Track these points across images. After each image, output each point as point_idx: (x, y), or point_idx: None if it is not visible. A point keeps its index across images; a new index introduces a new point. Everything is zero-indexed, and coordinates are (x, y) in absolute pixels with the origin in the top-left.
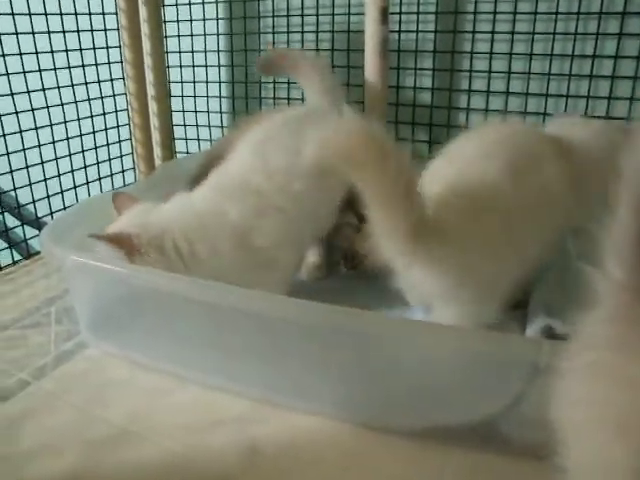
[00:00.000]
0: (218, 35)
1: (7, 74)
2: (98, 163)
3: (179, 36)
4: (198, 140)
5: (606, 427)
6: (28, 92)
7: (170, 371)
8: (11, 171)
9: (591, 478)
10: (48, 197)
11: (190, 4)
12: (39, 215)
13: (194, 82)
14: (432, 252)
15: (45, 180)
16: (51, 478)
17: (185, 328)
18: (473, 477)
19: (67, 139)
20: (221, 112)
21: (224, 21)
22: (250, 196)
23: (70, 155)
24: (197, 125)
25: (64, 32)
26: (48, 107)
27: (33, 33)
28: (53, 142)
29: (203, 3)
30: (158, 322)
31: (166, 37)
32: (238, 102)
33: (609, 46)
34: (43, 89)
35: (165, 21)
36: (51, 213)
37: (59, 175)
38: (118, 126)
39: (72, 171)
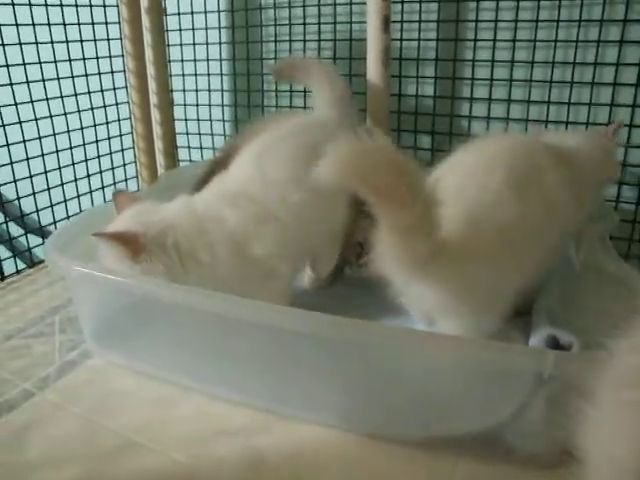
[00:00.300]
0: (220, 44)
1: (11, 84)
2: (101, 172)
3: (182, 45)
4: (201, 149)
5: None
6: (32, 102)
7: (174, 381)
8: (15, 180)
9: None
10: (52, 206)
11: (192, 13)
12: (43, 224)
13: (196, 91)
14: (433, 270)
15: (49, 189)
16: None
17: (189, 338)
18: None
19: (70, 148)
20: (224, 120)
21: (226, 30)
22: (249, 205)
23: (73, 164)
24: (200, 134)
25: (67, 42)
26: (51, 116)
27: (37, 43)
28: (56, 151)
29: (205, 12)
30: (162, 332)
31: (169, 46)
32: (240, 110)
33: (610, 53)
34: (46, 98)
35: (168, 30)
36: (54, 222)
37: (62, 184)
38: (121, 135)
39: (75, 180)
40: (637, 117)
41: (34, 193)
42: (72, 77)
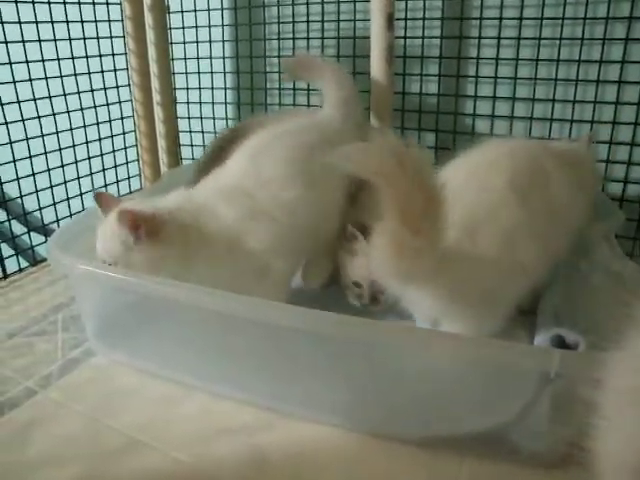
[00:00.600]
0: (224, 42)
1: (14, 82)
2: (104, 170)
3: (185, 43)
4: (204, 147)
5: None
6: (34, 99)
7: (177, 379)
8: (17, 178)
9: None
10: (54, 204)
11: (196, 11)
12: (45, 222)
13: (200, 88)
14: (436, 278)
15: (51, 187)
16: None
17: (192, 336)
18: None
19: (73, 146)
20: (227, 119)
21: (229, 28)
22: (245, 200)
23: (76, 162)
24: (203, 132)
25: (70, 40)
26: (54, 114)
27: (40, 41)
28: (59, 149)
29: (209, 10)
30: (165, 330)
31: (172, 44)
32: (244, 108)
33: (615, 51)
34: (49, 96)
35: (171, 28)
36: (57, 220)
37: (65, 182)
38: (124, 133)
39: (78, 178)
40: None
41: (37, 191)
42: (75, 75)
